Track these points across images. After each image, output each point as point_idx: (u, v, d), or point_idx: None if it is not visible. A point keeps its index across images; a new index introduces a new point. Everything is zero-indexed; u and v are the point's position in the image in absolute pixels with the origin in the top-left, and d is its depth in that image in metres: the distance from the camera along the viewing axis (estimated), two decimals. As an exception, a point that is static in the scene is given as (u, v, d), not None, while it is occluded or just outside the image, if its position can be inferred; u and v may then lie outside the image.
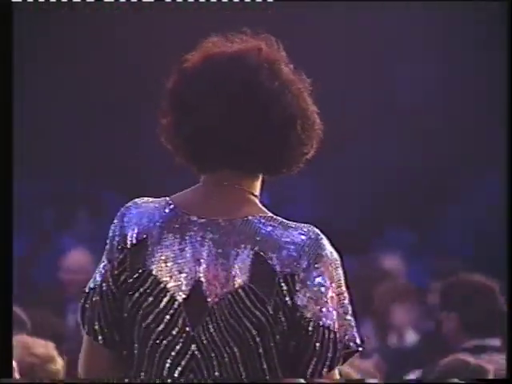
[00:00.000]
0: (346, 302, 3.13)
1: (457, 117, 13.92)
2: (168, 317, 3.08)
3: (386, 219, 12.99)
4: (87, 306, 3.23)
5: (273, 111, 3.09)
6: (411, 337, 9.82)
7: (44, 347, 4.70)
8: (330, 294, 3.07)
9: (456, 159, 13.75)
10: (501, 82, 12.10)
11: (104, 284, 3.15)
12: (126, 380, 3.29)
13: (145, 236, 3.07)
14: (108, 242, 3.14)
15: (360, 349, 3.14)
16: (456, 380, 1.33)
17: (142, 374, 3.10)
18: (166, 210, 3.10)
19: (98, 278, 3.16)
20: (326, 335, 3.06)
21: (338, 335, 3.08)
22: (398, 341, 9.81)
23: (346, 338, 3.11)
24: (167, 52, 13.06)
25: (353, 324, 3.13)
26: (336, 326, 3.07)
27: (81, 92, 15.15)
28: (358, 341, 3.12)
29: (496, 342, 7.36)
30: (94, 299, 3.18)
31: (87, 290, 3.21)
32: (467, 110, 14.13)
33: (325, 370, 3.07)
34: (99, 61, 15.03)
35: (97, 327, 3.18)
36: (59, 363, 4.65)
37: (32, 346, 4.60)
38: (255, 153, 3.14)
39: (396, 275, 10.49)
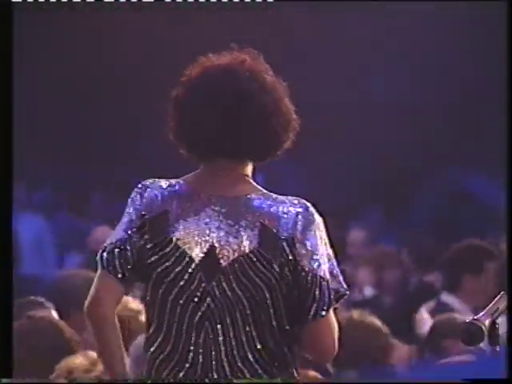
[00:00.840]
0: (332, 255, 3.74)
1: (432, 106, 13.57)
2: (187, 275, 3.63)
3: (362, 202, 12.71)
4: (105, 254, 3.66)
5: (253, 109, 3.70)
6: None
7: (135, 303, 4.99)
8: (321, 250, 3.68)
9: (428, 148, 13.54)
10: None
11: (126, 241, 3.67)
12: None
13: (165, 209, 3.62)
14: (129, 208, 3.65)
15: (347, 292, 3.76)
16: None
17: (165, 321, 3.63)
18: (182, 188, 3.70)
19: (119, 235, 3.69)
20: (322, 283, 3.65)
21: (330, 282, 3.67)
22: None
23: (336, 284, 3.71)
24: (165, 51, 12.60)
25: (339, 274, 3.73)
26: (328, 275, 3.67)
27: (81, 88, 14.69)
28: (344, 286, 3.72)
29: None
30: (115, 249, 3.62)
31: (107, 243, 3.65)
32: (444, 99, 13.86)
33: (323, 312, 3.64)
34: (100, 56, 14.49)
35: (117, 264, 3.63)
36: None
37: (126, 301, 4.83)
38: (242, 143, 3.74)
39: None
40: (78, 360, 4.54)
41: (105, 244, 3.74)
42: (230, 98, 3.65)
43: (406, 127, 13.06)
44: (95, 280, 3.74)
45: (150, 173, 3.98)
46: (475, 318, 5.53)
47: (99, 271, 3.73)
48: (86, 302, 3.73)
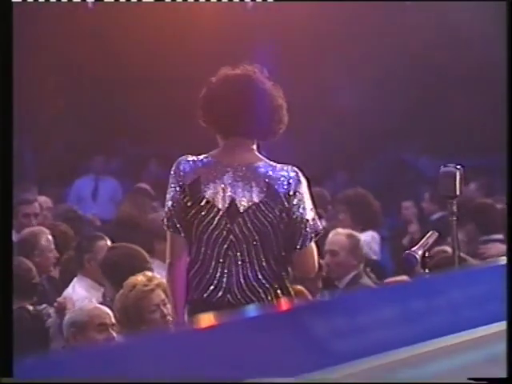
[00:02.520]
0: (312, 206, 3.99)
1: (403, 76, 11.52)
2: (216, 220, 3.90)
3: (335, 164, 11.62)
4: (165, 221, 3.97)
5: (261, 103, 4.03)
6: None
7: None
8: (306, 202, 3.96)
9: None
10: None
11: (175, 204, 3.89)
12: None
13: (197, 176, 3.87)
14: (171, 180, 3.97)
15: (322, 231, 4.12)
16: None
17: (202, 252, 3.92)
18: (208, 160, 3.97)
19: (170, 202, 3.96)
20: (307, 224, 3.93)
21: (311, 224, 3.94)
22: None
23: (316, 225, 3.97)
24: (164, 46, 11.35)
25: (317, 218, 4.01)
26: (310, 219, 3.93)
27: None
28: (321, 227, 4.03)
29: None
30: (172, 213, 3.93)
31: (166, 209, 4.00)
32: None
33: (307, 243, 3.96)
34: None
35: (178, 226, 3.93)
36: None
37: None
38: (253, 127, 3.97)
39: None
40: (140, 277, 4.56)
41: (164, 213, 4.07)
42: (245, 95, 4.00)
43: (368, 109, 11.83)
44: (167, 242, 4.08)
45: (189, 148, 4.21)
46: (412, 250, 5.71)
47: (168, 234, 4.05)
48: (166, 265, 4.13)
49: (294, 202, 3.91)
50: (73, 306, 4.94)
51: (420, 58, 10.66)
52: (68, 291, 5.44)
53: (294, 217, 3.93)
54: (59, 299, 5.23)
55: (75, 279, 5.58)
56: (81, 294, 5.35)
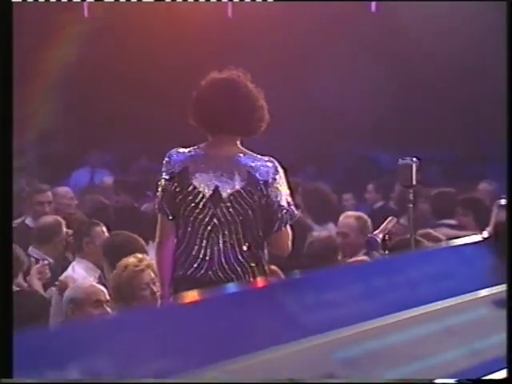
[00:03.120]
0: (288, 193, 4.04)
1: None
2: (202, 204, 3.92)
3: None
4: (157, 204, 3.99)
5: (245, 104, 3.99)
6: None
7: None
8: (283, 189, 3.99)
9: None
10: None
11: (164, 190, 3.94)
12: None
13: (186, 166, 3.89)
14: (164, 166, 4.07)
15: (298, 215, 4.19)
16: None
17: (188, 233, 3.94)
18: (196, 152, 3.98)
19: (160, 188, 4.11)
20: (283, 209, 3.97)
21: (288, 209, 3.99)
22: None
23: (292, 210, 4.02)
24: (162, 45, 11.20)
25: (293, 203, 4.07)
26: (286, 204, 3.98)
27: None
28: (296, 212, 4.08)
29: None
30: (162, 198, 3.94)
31: (157, 195, 4.01)
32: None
33: (283, 227, 4.00)
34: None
35: (167, 210, 3.93)
36: None
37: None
38: (236, 124, 3.99)
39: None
40: (131, 259, 4.55)
41: (156, 199, 4.09)
42: (230, 97, 4.01)
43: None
44: (158, 224, 4.09)
45: (178, 142, 4.21)
46: (373, 234, 5.72)
47: (159, 217, 4.06)
48: (155, 244, 4.14)
49: (272, 189, 3.95)
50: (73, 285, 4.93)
51: (398, 59, 10.57)
52: (68, 272, 5.44)
53: (272, 202, 3.98)
54: (61, 278, 5.21)
55: (74, 261, 5.57)
56: (81, 274, 5.37)
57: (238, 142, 4.07)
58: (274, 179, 3.92)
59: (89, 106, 11.13)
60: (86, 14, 11.69)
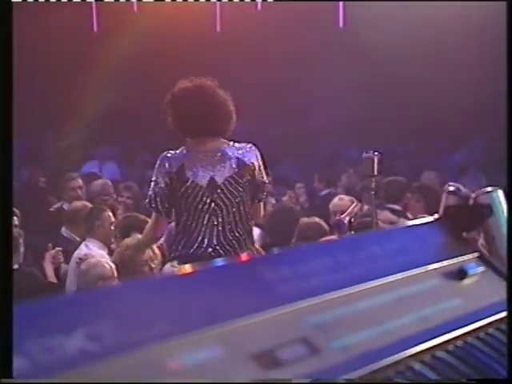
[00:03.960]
0: (267, 173, 4.20)
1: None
2: (200, 193, 3.96)
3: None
4: (149, 203, 3.93)
5: (216, 108, 4.04)
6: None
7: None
8: (263, 169, 4.12)
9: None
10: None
11: (164, 190, 3.84)
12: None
13: (181, 164, 3.81)
14: (157, 169, 3.92)
15: (270, 191, 4.48)
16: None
17: (190, 219, 3.95)
18: (186, 151, 3.89)
19: (152, 191, 3.89)
20: (265, 186, 4.14)
21: (267, 183, 4.16)
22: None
23: (268, 186, 4.22)
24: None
25: (271, 183, 4.30)
26: (267, 181, 4.15)
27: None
28: (272, 191, 4.11)
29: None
30: (158, 199, 3.91)
31: (150, 194, 3.92)
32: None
33: (262, 199, 4.18)
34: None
35: (160, 208, 3.91)
36: None
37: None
38: (211, 126, 4.03)
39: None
40: (130, 239, 4.58)
41: (148, 197, 4.03)
42: (202, 103, 3.96)
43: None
44: (151, 219, 4.08)
45: (174, 140, 4.19)
46: (341, 217, 5.71)
47: (153, 215, 4.04)
48: (145, 231, 4.26)
49: (257, 170, 4.00)
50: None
51: (365, 68, 10.53)
52: (83, 249, 5.46)
53: (257, 181, 4.03)
54: (81, 255, 5.22)
55: (86, 241, 5.59)
56: (96, 252, 5.39)
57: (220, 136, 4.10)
58: (258, 161, 4.02)
59: (98, 106, 11.08)
60: (95, 28, 11.62)
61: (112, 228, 5.52)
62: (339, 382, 1.12)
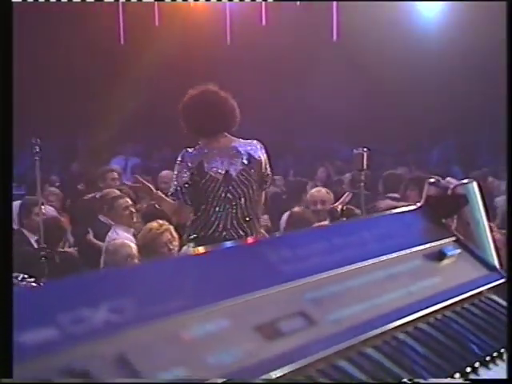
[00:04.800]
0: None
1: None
2: (217, 186, 3.94)
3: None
4: (176, 193, 3.87)
5: (225, 109, 4.01)
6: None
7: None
8: (267, 162, 4.06)
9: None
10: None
11: (187, 183, 3.79)
12: None
13: (201, 160, 3.77)
14: (179, 164, 3.85)
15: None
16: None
17: (208, 207, 3.90)
18: (203, 149, 3.88)
19: (176, 182, 3.84)
20: (269, 176, 4.10)
21: (271, 175, 4.11)
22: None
23: (271, 177, 4.15)
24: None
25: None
26: (270, 173, 4.10)
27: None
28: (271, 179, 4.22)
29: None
30: (183, 191, 3.86)
31: (174, 186, 3.85)
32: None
33: (267, 189, 4.21)
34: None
35: (182, 197, 3.86)
36: None
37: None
38: (221, 125, 4.00)
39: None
40: (154, 224, 4.57)
41: (173, 188, 3.98)
42: (207, 104, 3.92)
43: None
44: (176, 207, 4.00)
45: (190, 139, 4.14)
46: (334, 205, 5.68)
47: (177, 203, 3.98)
48: (171, 213, 4.16)
49: (263, 163, 3.98)
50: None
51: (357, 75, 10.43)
52: (113, 234, 5.47)
53: (263, 172, 4.00)
54: (111, 238, 5.22)
55: (113, 227, 5.58)
56: (122, 235, 5.40)
57: (226, 133, 4.07)
58: (264, 156, 4.00)
59: (124, 110, 11.06)
60: (122, 41, 11.59)
61: (131, 211, 5.51)
62: (339, 382, 1.09)
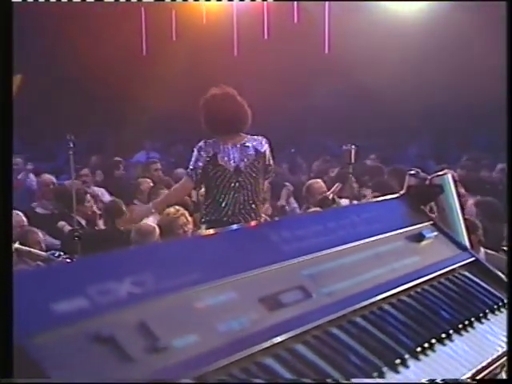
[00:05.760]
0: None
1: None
2: (228, 176, 3.84)
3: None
4: (191, 172, 3.79)
5: (239, 110, 3.87)
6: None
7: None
8: (270, 155, 3.95)
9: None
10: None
11: (199, 166, 3.78)
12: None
13: (215, 152, 3.73)
14: (197, 152, 3.79)
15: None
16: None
17: (218, 194, 3.81)
18: (218, 142, 3.82)
19: (194, 165, 3.76)
20: (272, 168, 3.98)
21: (273, 166, 4.01)
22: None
23: (273, 168, 4.04)
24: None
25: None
26: (273, 164, 3.98)
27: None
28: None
29: None
30: (196, 170, 3.79)
31: (191, 165, 3.82)
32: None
33: (270, 179, 4.09)
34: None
35: (195, 177, 3.78)
36: None
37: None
38: (237, 125, 3.88)
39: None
40: (171, 209, 4.52)
41: (190, 168, 3.91)
42: (230, 106, 3.84)
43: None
44: (180, 184, 3.96)
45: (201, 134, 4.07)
46: (326, 194, 5.64)
47: (183, 180, 3.92)
48: (173, 191, 4.11)
49: (268, 156, 3.91)
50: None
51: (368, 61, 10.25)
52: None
53: (267, 164, 3.93)
54: (149, 222, 5.20)
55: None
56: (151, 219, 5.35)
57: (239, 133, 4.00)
58: (268, 150, 3.93)
59: (145, 110, 11.00)
60: (144, 52, 11.60)
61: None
62: (340, 382, 1.05)
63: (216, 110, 3.86)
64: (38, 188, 6.67)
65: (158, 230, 4.39)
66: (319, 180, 6.20)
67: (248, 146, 3.89)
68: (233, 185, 3.86)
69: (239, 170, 3.86)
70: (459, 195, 1.84)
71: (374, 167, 7.11)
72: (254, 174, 3.87)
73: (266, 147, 3.93)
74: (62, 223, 5.43)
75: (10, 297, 0.88)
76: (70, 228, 5.17)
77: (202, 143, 3.91)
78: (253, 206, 3.87)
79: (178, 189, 4.09)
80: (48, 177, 6.40)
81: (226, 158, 3.86)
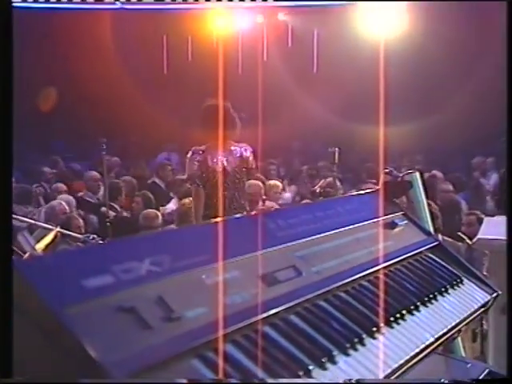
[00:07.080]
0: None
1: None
2: (217, 177, 3.73)
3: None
4: (189, 180, 3.71)
5: (228, 121, 3.73)
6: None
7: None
8: (253, 161, 3.82)
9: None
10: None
11: (194, 170, 3.72)
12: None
13: (206, 156, 3.87)
14: (190, 158, 3.71)
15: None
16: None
17: (210, 193, 3.70)
18: (209, 149, 3.68)
19: (192, 170, 3.64)
20: (255, 171, 3.88)
21: (255, 169, 3.92)
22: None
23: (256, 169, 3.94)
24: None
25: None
26: (255, 167, 3.85)
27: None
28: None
29: None
30: (192, 177, 3.69)
31: (187, 174, 3.67)
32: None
33: (251, 179, 3.98)
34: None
35: (196, 182, 3.67)
36: None
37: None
38: (227, 134, 3.73)
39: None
40: (186, 200, 4.47)
41: (186, 177, 3.81)
42: (223, 116, 3.74)
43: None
44: (193, 194, 3.81)
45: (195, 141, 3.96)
46: (314, 187, 5.57)
47: (193, 188, 3.80)
48: (193, 206, 3.87)
49: (250, 160, 3.84)
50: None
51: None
52: (170, 204, 5.30)
53: (250, 166, 3.84)
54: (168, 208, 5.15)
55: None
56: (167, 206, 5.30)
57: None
58: (251, 156, 3.83)
59: (164, 119, 10.90)
60: (165, 71, 11.58)
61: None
62: (340, 383, 0.99)
63: (210, 118, 3.79)
64: (84, 181, 6.36)
65: (160, 216, 4.37)
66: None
67: (235, 152, 3.82)
68: (225, 186, 3.80)
69: (227, 172, 3.79)
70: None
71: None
72: (239, 176, 3.82)
73: (249, 153, 3.86)
74: (104, 209, 5.41)
75: (10, 298, 0.83)
76: (113, 213, 5.09)
77: (194, 149, 3.83)
78: (241, 202, 3.83)
79: (196, 199, 3.94)
80: (95, 173, 6.23)
81: (215, 161, 3.79)
